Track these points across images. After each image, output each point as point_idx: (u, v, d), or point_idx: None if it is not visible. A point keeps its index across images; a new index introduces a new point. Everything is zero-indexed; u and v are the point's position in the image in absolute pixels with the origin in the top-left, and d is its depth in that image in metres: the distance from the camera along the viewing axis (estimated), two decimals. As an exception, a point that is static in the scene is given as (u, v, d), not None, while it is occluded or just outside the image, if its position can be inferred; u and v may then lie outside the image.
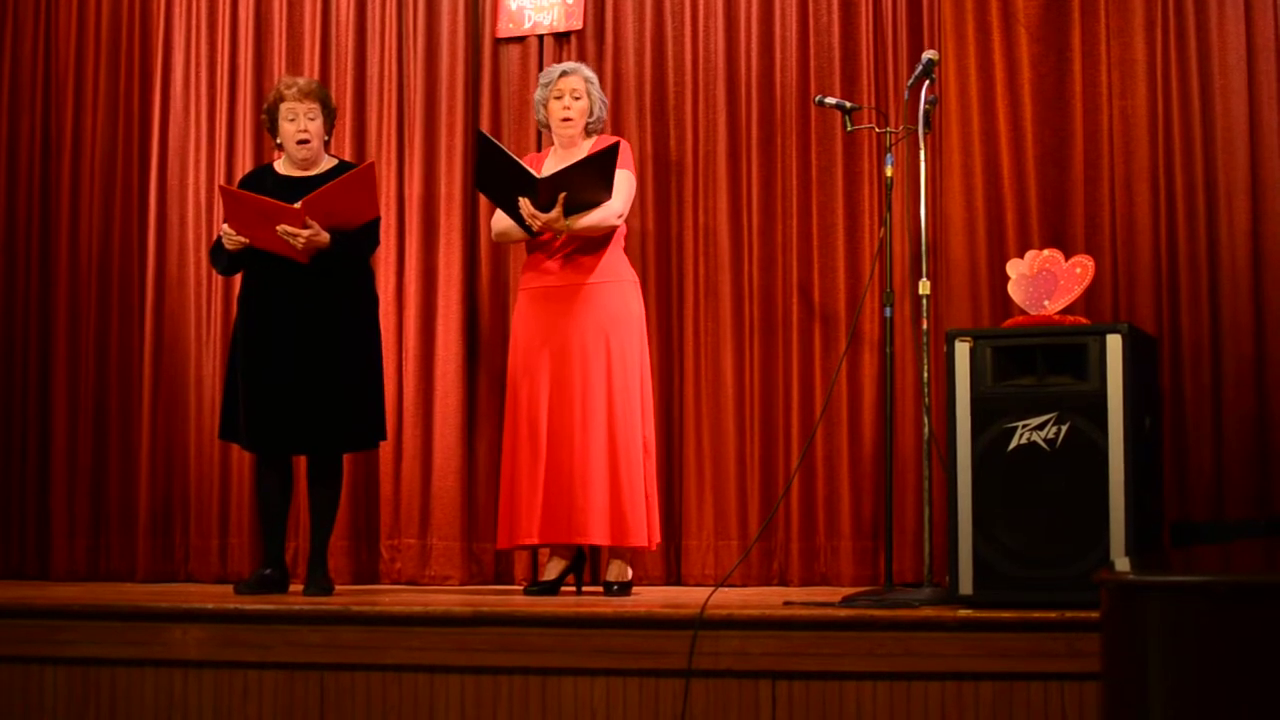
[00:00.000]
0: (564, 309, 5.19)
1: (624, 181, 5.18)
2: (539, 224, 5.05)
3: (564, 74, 5.36)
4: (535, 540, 5.16)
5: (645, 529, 5.14)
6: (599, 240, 5.21)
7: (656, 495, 5.27)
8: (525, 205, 5.02)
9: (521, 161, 5.12)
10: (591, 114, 5.36)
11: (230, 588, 5.30)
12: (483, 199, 5.86)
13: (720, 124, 5.87)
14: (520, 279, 5.46)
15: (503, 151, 5.06)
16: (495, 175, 5.07)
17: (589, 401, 5.11)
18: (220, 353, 6.14)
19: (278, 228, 4.95)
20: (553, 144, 5.45)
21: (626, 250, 5.38)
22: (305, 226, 4.95)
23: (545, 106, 5.38)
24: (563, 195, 4.98)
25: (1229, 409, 5.11)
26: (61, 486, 6.36)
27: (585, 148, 5.31)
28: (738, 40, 5.89)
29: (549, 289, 5.23)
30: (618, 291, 5.23)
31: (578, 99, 5.32)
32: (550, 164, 5.32)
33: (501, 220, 5.26)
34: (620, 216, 5.21)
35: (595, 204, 5.07)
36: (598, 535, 5.09)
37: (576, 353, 5.15)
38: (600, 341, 5.15)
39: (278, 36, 6.35)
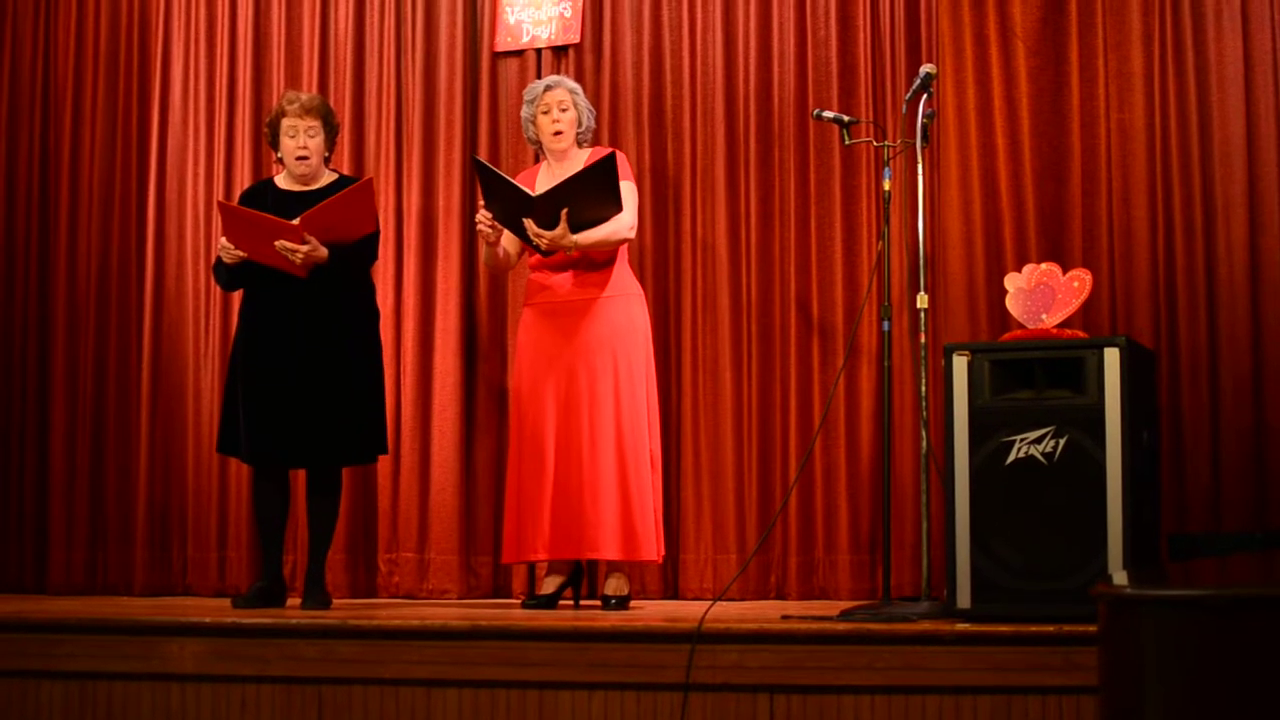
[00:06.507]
0: (570, 324, 5.19)
1: (630, 193, 5.17)
2: (545, 243, 5.04)
3: (548, 88, 5.37)
4: (544, 555, 5.16)
5: (654, 542, 5.14)
6: (605, 255, 5.21)
7: (661, 508, 5.28)
8: (530, 225, 5.01)
9: (516, 181, 5.12)
10: (580, 124, 5.37)
11: (228, 601, 5.30)
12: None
13: (718, 137, 5.88)
14: (524, 294, 5.46)
15: (499, 175, 5.05)
16: (499, 199, 5.06)
17: (597, 416, 5.11)
18: (219, 365, 6.15)
19: (276, 243, 4.95)
20: (545, 159, 5.45)
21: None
22: (303, 242, 4.96)
23: (534, 123, 5.38)
24: (565, 211, 4.97)
25: (1226, 422, 5.11)
26: (59, 499, 6.36)
27: (579, 159, 5.32)
28: (736, 54, 5.90)
29: (555, 304, 5.23)
30: (623, 305, 5.23)
31: (565, 111, 5.32)
32: (544, 179, 5.32)
33: (484, 249, 5.30)
34: (632, 229, 5.20)
35: (604, 219, 5.06)
36: (608, 550, 5.09)
37: (583, 368, 5.14)
38: (607, 356, 5.15)
39: (276, 51, 6.36)
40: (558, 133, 5.32)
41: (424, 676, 4.22)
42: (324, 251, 5.01)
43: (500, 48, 6.14)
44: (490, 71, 6.18)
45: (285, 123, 5.24)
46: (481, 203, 5.17)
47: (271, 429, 5.09)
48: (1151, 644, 2.03)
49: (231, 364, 5.28)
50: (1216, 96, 5.22)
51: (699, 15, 5.95)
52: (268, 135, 5.36)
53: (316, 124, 5.25)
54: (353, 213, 5.04)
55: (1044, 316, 4.52)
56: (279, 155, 5.32)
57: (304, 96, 5.30)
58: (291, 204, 5.13)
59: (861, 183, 5.69)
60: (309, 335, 5.10)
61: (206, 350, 6.28)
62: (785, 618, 4.25)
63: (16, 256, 6.54)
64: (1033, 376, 4.22)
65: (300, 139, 5.23)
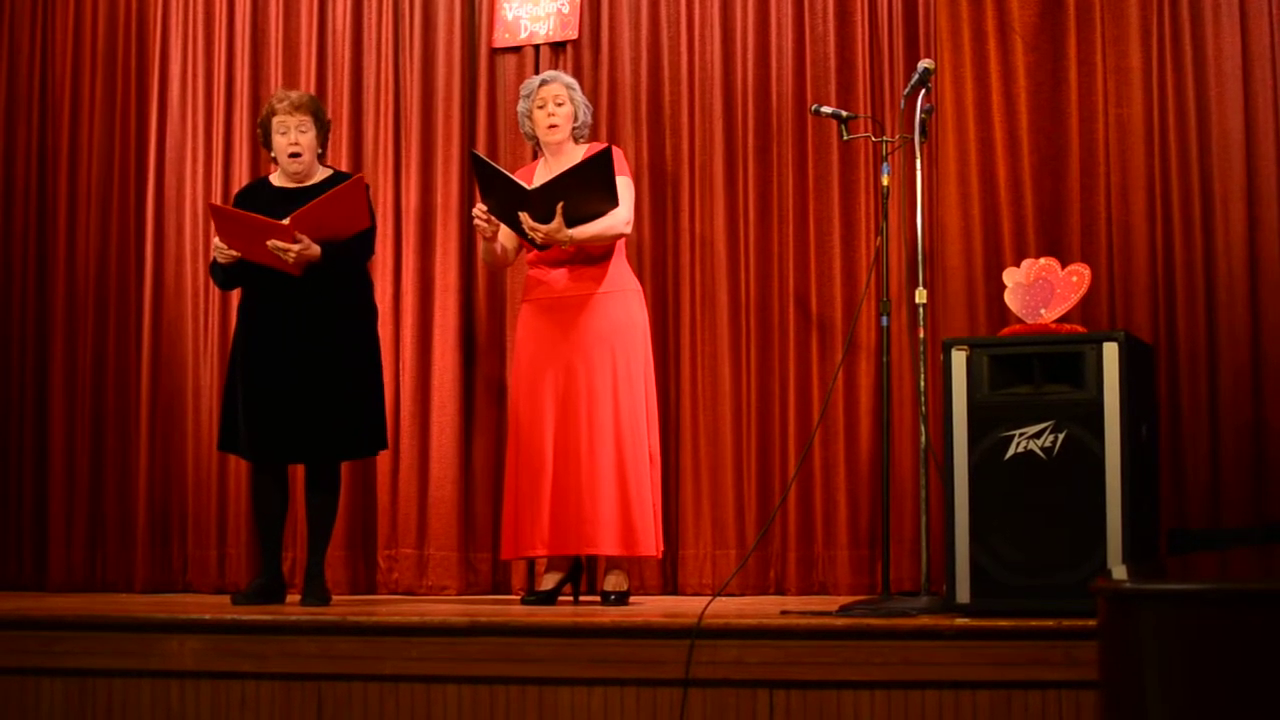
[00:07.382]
0: (569, 320, 5.18)
1: (626, 188, 5.17)
2: (540, 236, 5.03)
3: (544, 83, 5.37)
4: (543, 551, 5.16)
5: (653, 538, 5.14)
6: (602, 250, 5.21)
7: (660, 504, 5.28)
8: (525, 219, 5.01)
9: (514, 176, 5.11)
10: (577, 119, 5.36)
11: (228, 598, 5.30)
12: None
13: (716, 133, 5.87)
14: (522, 290, 5.46)
15: (495, 168, 5.05)
16: (496, 193, 5.06)
17: (595, 412, 5.11)
18: (218, 363, 6.15)
19: (268, 243, 4.95)
20: (543, 155, 5.45)
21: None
22: (295, 241, 4.96)
23: (530, 118, 5.38)
24: (561, 205, 4.96)
25: (1225, 416, 5.11)
26: (59, 497, 6.36)
27: (576, 155, 5.31)
28: (734, 49, 5.89)
29: (553, 300, 5.23)
30: (622, 301, 5.23)
31: (560, 105, 5.32)
32: (541, 175, 5.30)
33: (482, 245, 5.31)
34: (628, 224, 5.20)
35: (599, 214, 5.06)
36: (607, 545, 5.09)
37: (582, 364, 5.14)
38: (606, 352, 5.15)
39: (274, 47, 6.36)
40: (553, 126, 5.31)
41: (423, 673, 4.22)
42: (316, 250, 5.01)
43: (498, 44, 6.14)
44: (488, 67, 6.17)
45: (276, 120, 5.24)
46: (479, 197, 5.17)
47: (271, 425, 5.09)
48: (1151, 638, 2.03)
49: (231, 361, 5.29)
50: (1215, 91, 5.22)
51: (697, 11, 5.94)
52: (260, 135, 5.36)
53: (308, 120, 5.24)
54: (344, 211, 5.03)
55: (1043, 311, 4.52)
56: (273, 154, 5.32)
57: (294, 94, 5.30)
58: (286, 202, 5.13)
59: (860, 178, 5.69)
60: (307, 332, 5.10)
61: (205, 347, 6.28)
62: (784, 613, 4.25)
63: (14, 255, 6.54)
64: (1031, 371, 4.22)
65: (292, 135, 5.22)
